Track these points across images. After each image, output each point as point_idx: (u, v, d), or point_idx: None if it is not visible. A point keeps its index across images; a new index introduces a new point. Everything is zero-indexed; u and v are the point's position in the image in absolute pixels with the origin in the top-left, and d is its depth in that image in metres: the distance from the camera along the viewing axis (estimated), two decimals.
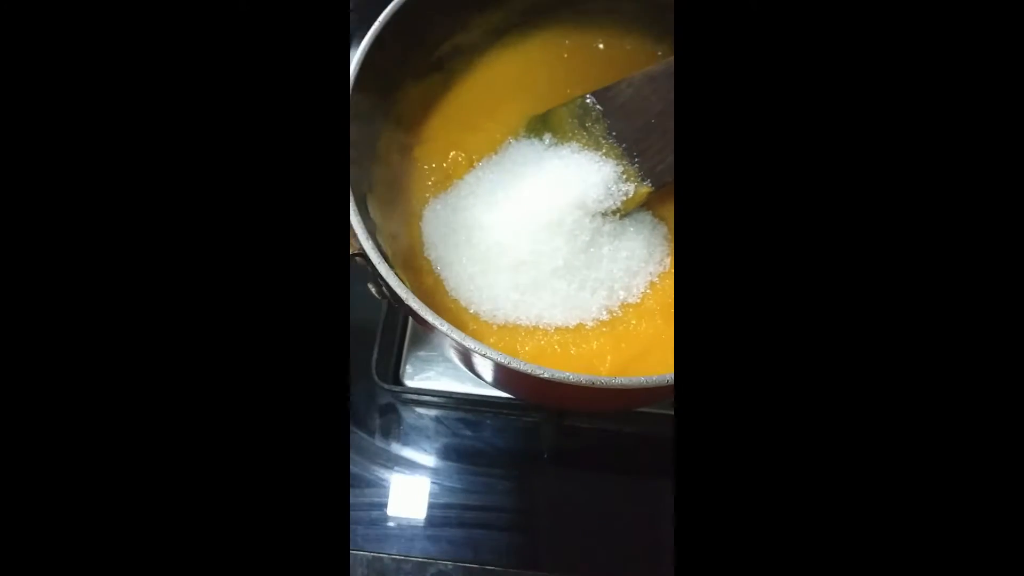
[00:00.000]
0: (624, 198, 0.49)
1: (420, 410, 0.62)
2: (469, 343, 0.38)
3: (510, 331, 0.48)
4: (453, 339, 0.39)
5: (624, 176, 0.49)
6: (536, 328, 0.48)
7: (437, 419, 0.61)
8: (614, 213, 0.49)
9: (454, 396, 0.61)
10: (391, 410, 0.63)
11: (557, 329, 0.48)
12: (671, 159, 0.48)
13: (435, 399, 0.62)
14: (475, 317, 0.49)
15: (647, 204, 0.51)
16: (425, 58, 0.54)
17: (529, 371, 0.38)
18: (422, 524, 0.58)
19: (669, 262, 0.50)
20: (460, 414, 0.61)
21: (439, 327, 0.39)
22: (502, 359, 0.38)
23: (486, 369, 0.44)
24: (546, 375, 0.38)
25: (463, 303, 0.49)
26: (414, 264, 0.51)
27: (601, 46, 0.58)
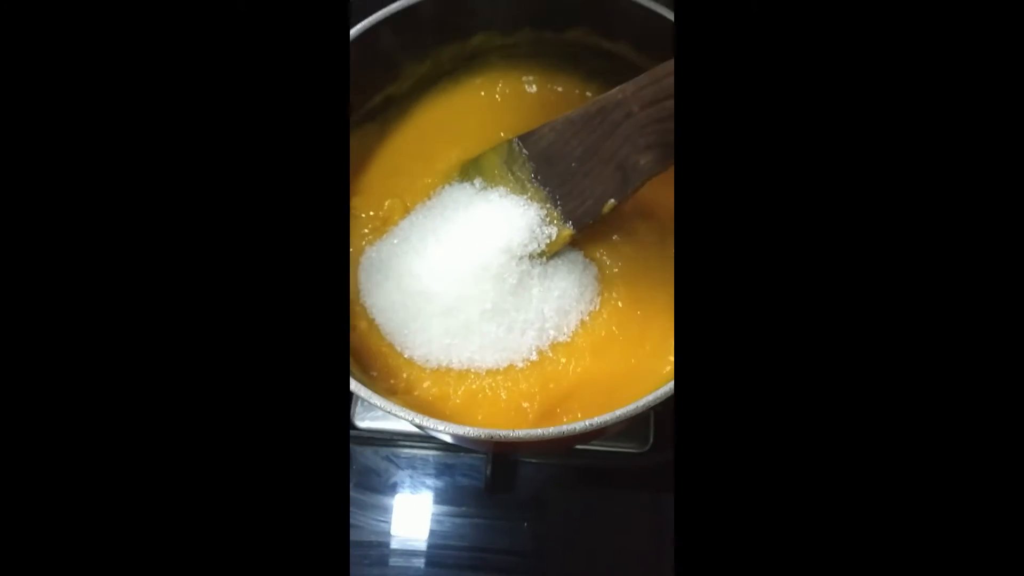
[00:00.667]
0: (548, 240, 0.50)
1: (370, 450, 0.63)
2: (390, 407, 0.40)
3: (443, 375, 0.50)
4: (374, 404, 0.40)
5: (548, 219, 0.50)
6: (468, 371, 0.49)
7: (388, 458, 0.62)
8: (540, 256, 0.50)
9: (404, 435, 0.63)
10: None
11: (488, 371, 0.49)
12: (591, 202, 0.49)
13: (386, 438, 0.63)
14: (409, 362, 0.50)
15: (579, 244, 0.53)
16: (357, 110, 0.55)
17: (443, 430, 0.39)
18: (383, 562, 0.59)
19: (599, 301, 0.51)
20: (411, 452, 0.62)
21: (360, 394, 0.40)
22: (423, 421, 0.39)
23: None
24: (460, 432, 0.39)
25: (397, 348, 0.50)
26: (351, 309, 0.52)
27: (532, 89, 0.59)
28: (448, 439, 0.45)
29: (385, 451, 0.62)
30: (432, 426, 0.38)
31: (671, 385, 0.40)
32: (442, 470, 0.62)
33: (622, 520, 0.61)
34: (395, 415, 0.39)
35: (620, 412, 0.37)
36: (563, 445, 0.55)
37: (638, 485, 0.60)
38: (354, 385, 0.41)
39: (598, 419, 0.37)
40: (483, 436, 0.37)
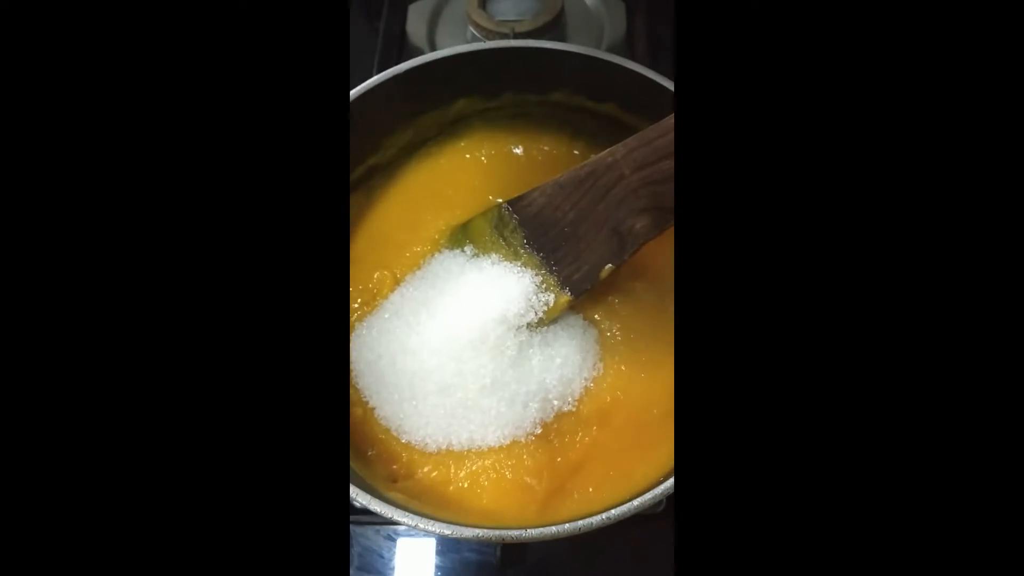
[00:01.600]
0: (545, 308, 0.48)
1: (371, 530, 0.61)
2: (383, 508, 0.37)
3: (443, 457, 0.47)
4: (365, 506, 0.38)
5: (543, 286, 0.49)
6: (469, 451, 0.47)
7: (389, 536, 0.59)
8: (537, 324, 0.49)
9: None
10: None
11: (491, 450, 0.47)
12: (587, 267, 0.48)
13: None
14: (407, 446, 0.48)
15: (576, 307, 0.51)
16: None
17: (443, 532, 0.37)
18: None
19: (602, 366, 0.50)
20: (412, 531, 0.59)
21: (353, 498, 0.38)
22: (419, 523, 0.37)
23: None
24: (464, 533, 0.36)
25: (394, 431, 0.48)
26: None
27: (519, 150, 0.58)
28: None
29: (387, 530, 0.59)
30: (428, 527, 0.36)
31: None
32: (448, 546, 0.59)
33: None
34: (389, 517, 0.37)
35: (638, 502, 0.35)
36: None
37: (653, 549, 0.58)
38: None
39: (615, 511, 0.35)
40: (492, 536, 0.35)
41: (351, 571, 0.59)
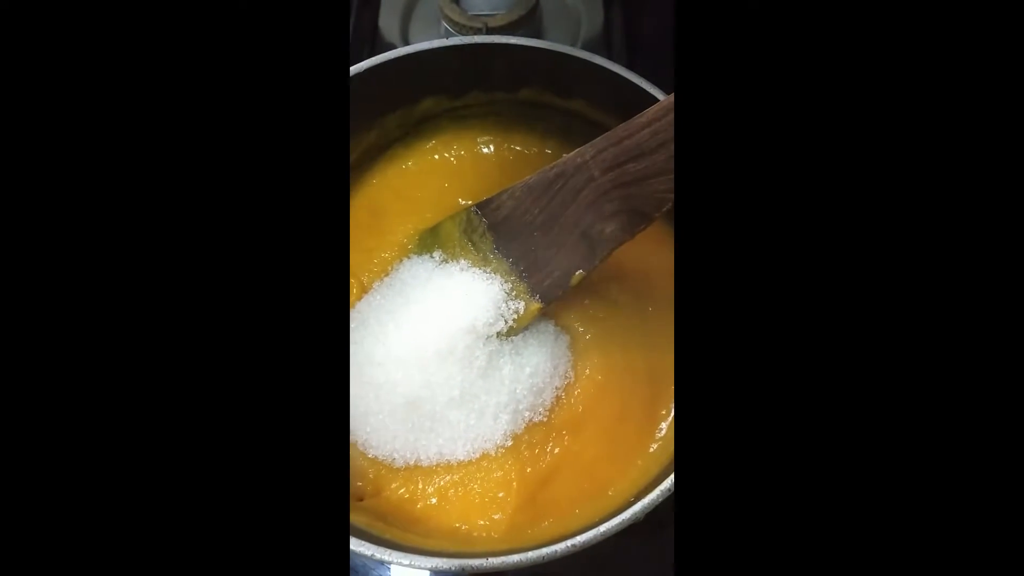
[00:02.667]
0: (515, 316, 0.46)
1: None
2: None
3: (411, 473, 0.45)
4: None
5: (513, 293, 0.47)
6: (438, 466, 0.45)
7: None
8: (507, 333, 0.47)
9: None
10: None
11: (460, 463, 0.45)
12: (558, 273, 0.46)
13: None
14: (374, 461, 0.46)
15: (548, 313, 0.49)
16: None
17: (407, 563, 0.35)
18: None
19: (573, 374, 0.48)
20: None
21: None
22: (381, 554, 0.35)
23: None
24: (427, 564, 0.35)
25: (360, 446, 0.46)
26: None
27: (489, 149, 0.56)
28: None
29: None
30: (384, 557, 0.34)
31: (668, 483, 0.36)
32: None
33: None
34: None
35: (604, 528, 0.33)
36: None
37: (638, 556, 0.56)
38: None
39: (580, 539, 0.33)
40: (453, 567, 0.33)
41: None
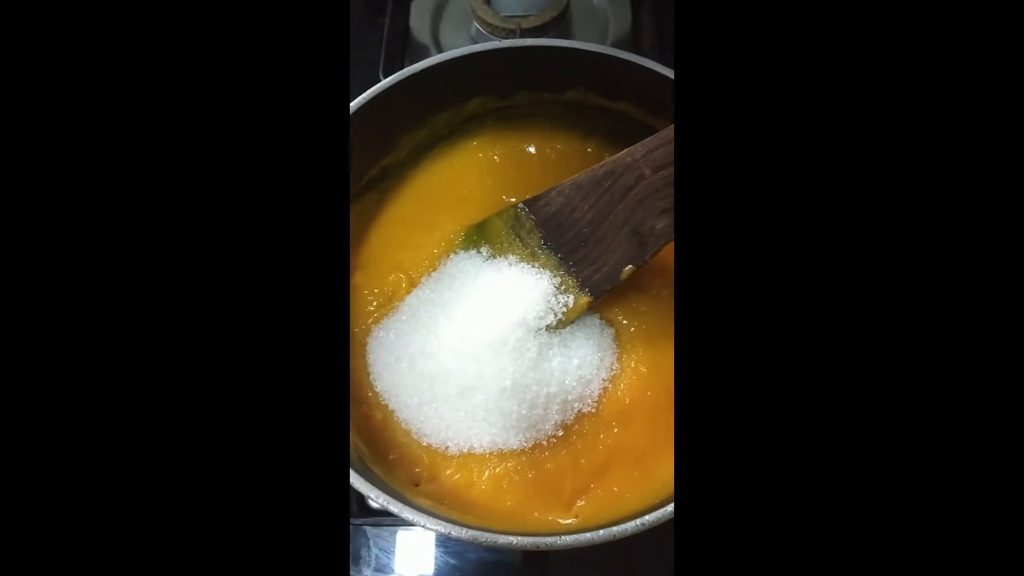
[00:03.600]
0: (564, 310, 0.48)
1: (387, 531, 0.60)
2: (400, 509, 0.38)
3: (465, 460, 0.47)
4: (384, 506, 0.38)
5: (563, 287, 0.49)
6: (491, 454, 0.47)
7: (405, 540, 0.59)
8: (556, 326, 0.48)
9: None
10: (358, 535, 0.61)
11: (512, 452, 0.47)
12: (607, 268, 0.47)
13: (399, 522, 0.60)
14: (428, 449, 0.47)
15: (594, 307, 0.51)
16: (355, 183, 0.53)
17: (464, 537, 0.37)
18: None
19: (619, 366, 0.49)
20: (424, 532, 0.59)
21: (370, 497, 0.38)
22: (445, 528, 0.37)
23: None
24: (487, 539, 0.36)
25: (415, 435, 0.48)
26: (361, 397, 0.50)
27: (532, 149, 0.58)
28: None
29: (397, 528, 0.59)
30: (461, 535, 0.35)
31: None
32: (462, 545, 0.59)
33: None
34: (421, 524, 0.37)
35: (672, 507, 0.35)
36: None
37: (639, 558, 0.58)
38: (364, 486, 0.38)
39: (649, 517, 0.35)
40: (527, 544, 0.35)
41: (368, 572, 0.58)
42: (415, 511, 0.38)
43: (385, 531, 0.60)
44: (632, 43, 0.75)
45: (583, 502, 0.45)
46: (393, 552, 0.59)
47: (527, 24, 0.71)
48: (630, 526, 0.35)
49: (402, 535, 0.56)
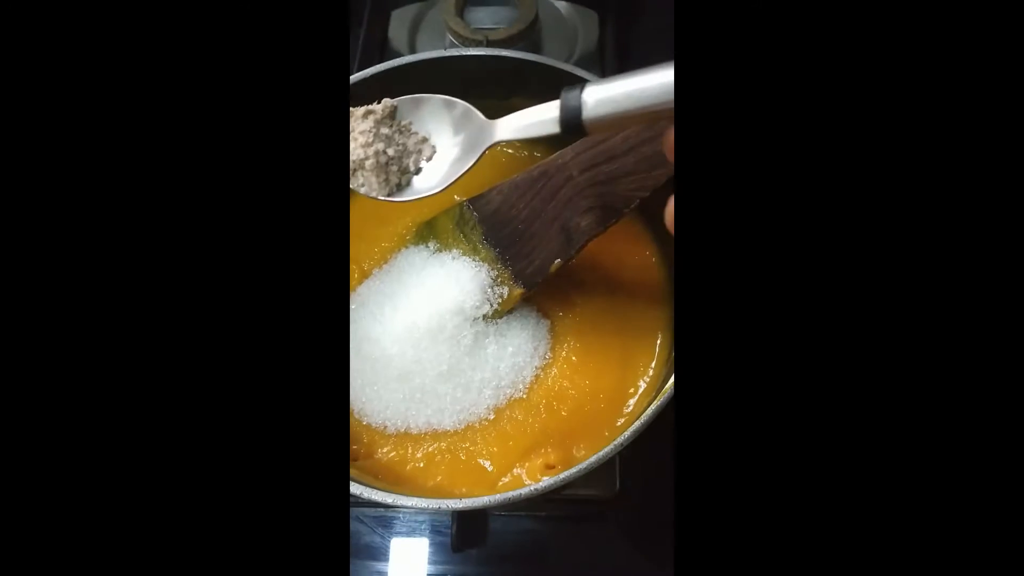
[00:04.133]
0: (500, 300, 0.51)
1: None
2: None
3: (401, 439, 0.50)
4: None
5: (499, 279, 0.52)
6: (426, 434, 0.50)
7: (356, 518, 0.62)
8: (492, 316, 0.52)
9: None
10: None
11: (446, 433, 0.50)
12: (538, 262, 0.51)
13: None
14: (368, 428, 0.51)
15: (532, 300, 0.54)
16: None
17: (392, 502, 0.40)
18: None
19: (551, 355, 0.53)
20: (377, 512, 0.62)
21: None
22: (371, 494, 0.40)
23: None
24: (411, 503, 0.40)
25: (356, 414, 0.51)
26: None
27: None
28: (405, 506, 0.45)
29: (354, 511, 0.63)
30: (376, 497, 0.39)
31: (624, 437, 0.41)
32: (404, 523, 0.62)
33: (595, 569, 0.61)
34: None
35: (573, 470, 0.38)
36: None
37: (610, 532, 0.61)
38: None
39: (548, 480, 0.38)
40: (431, 507, 0.38)
41: None
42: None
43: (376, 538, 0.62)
44: (597, 59, 0.79)
45: (507, 479, 0.48)
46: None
47: (494, 36, 0.75)
48: (524, 491, 0.38)
49: (396, 545, 0.60)
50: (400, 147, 0.43)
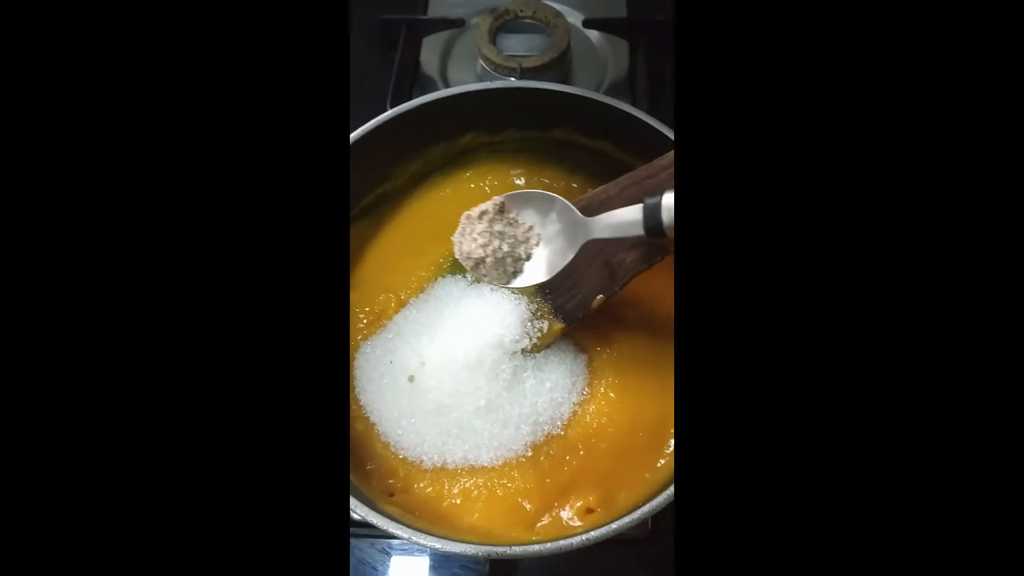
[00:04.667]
0: (539, 335, 0.51)
1: (366, 543, 0.62)
2: (376, 519, 0.40)
3: (438, 474, 0.50)
4: (363, 517, 0.40)
5: (538, 313, 0.51)
6: (463, 469, 0.49)
7: (383, 550, 0.61)
8: (531, 350, 0.51)
9: None
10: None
11: (484, 468, 0.49)
12: (580, 297, 0.50)
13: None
14: (404, 461, 0.50)
15: (570, 334, 0.53)
16: (353, 208, 0.57)
17: (435, 545, 0.39)
18: None
19: (589, 391, 0.52)
20: (407, 544, 0.61)
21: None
22: (410, 535, 0.39)
23: None
24: (455, 549, 0.39)
25: (392, 447, 0.51)
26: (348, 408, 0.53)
27: (520, 181, 0.61)
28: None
29: (382, 543, 0.62)
30: (421, 541, 0.38)
31: (671, 491, 0.40)
32: (440, 561, 0.61)
33: None
34: (385, 529, 0.39)
35: (616, 524, 0.37)
36: None
37: (640, 573, 0.59)
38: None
39: (594, 533, 0.37)
40: (480, 553, 0.37)
41: None
42: (382, 517, 0.40)
43: (365, 543, 0.62)
44: (628, 86, 0.79)
45: (547, 520, 0.47)
46: (371, 564, 0.61)
47: (528, 64, 0.75)
48: (575, 540, 0.37)
49: (396, 563, 0.59)
50: (512, 239, 0.48)
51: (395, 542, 0.61)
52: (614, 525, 0.37)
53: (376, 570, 0.61)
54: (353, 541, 0.62)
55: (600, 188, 0.49)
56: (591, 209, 0.49)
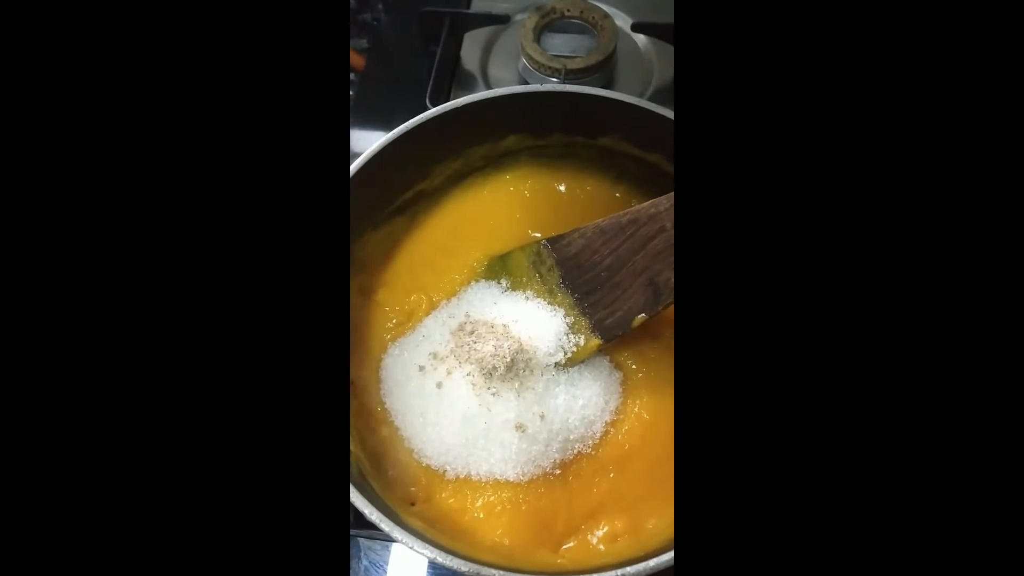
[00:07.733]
0: (574, 349, 0.49)
1: (379, 545, 0.61)
2: (392, 530, 0.39)
3: (461, 485, 0.48)
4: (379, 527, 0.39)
5: (575, 327, 0.50)
6: (487, 483, 0.48)
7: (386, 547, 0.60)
8: (565, 364, 0.49)
9: None
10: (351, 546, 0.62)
11: (509, 484, 0.48)
12: (620, 314, 0.48)
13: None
14: (427, 470, 0.49)
15: (605, 349, 0.52)
16: (387, 206, 0.56)
17: (452, 565, 0.38)
18: None
19: (623, 410, 0.50)
20: None
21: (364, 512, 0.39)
22: (431, 554, 0.38)
23: None
24: (474, 570, 0.37)
25: (415, 455, 0.49)
26: (370, 411, 0.51)
27: (562, 188, 0.59)
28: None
29: (392, 545, 0.60)
30: (446, 562, 0.36)
31: None
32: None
33: None
34: (410, 546, 0.38)
35: (654, 562, 0.35)
36: None
37: None
38: (360, 501, 0.40)
39: (630, 569, 0.35)
40: None
41: None
42: (406, 533, 0.39)
43: (378, 544, 0.60)
44: (673, 95, 0.77)
45: (572, 543, 0.46)
46: (384, 567, 0.60)
47: (573, 65, 0.73)
48: (609, 575, 0.35)
49: (396, 550, 0.57)
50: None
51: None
52: (651, 563, 0.35)
53: (387, 572, 0.60)
54: (365, 542, 0.60)
55: (649, 202, 0.47)
56: (639, 223, 0.47)
